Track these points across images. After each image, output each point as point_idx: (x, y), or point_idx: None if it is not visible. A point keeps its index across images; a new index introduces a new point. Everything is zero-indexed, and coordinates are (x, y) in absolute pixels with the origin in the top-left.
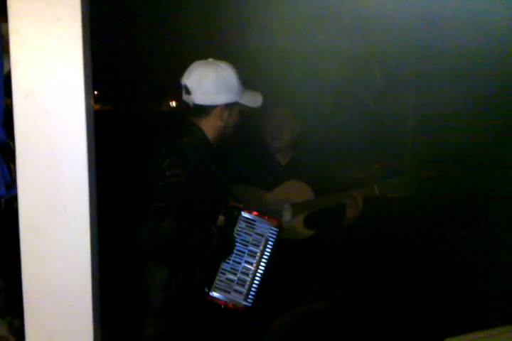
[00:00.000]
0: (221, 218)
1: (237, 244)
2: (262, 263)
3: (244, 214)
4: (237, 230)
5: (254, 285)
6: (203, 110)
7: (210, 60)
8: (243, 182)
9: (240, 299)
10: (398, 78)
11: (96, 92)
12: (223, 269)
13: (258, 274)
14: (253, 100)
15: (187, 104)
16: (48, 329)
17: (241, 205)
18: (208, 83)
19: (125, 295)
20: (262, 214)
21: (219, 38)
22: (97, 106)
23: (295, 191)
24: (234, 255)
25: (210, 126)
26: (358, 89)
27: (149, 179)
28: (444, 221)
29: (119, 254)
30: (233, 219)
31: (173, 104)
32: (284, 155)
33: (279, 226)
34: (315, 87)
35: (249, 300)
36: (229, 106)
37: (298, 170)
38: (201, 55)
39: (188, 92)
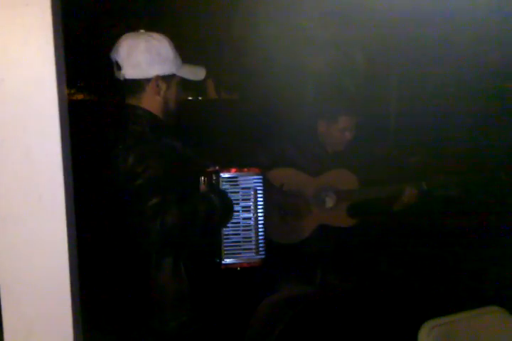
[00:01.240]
0: (202, 186)
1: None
2: (259, 214)
3: (224, 175)
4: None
5: (260, 237)
6: (137, 85)
7: (142, 31)
8: (290, 165)
9: (252, 255)
10: (381, 63)
11: (70, 81)
12: (225, 235)
13: (260, 225)
14: (194, 73)
15: (118, 81)
16: (26, 319)
17: (217, 168)
18: (138, 54)
19: (132, 296)
20: (240, 168)
21: (202, 23)
22: (76, 96)
23: (341, 179)
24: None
25: (150, 103)
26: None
27: (119, 178)
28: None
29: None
30: (214, 183)
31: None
32: (332, 146)
33: (262, 172)
34: (298, 73)
35: (261, 252)
36: (165, 78)
37: (344, 157)
38: (185, 37)
39: (119, 67)
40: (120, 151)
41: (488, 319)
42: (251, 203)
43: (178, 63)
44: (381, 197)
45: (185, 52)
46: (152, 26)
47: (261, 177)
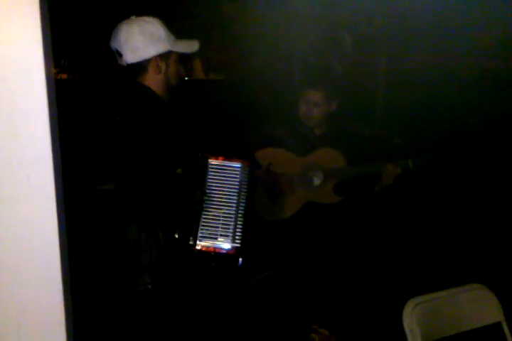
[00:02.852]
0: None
1: (214, 191)
2: (241, 204)
3: (212, 162)
4: (209, 179)
5: (238, 226)
6: (140, 67)
7: (133, 17)
8: (277, 146)
9: (228, 242)
10: (368, 42)
11: (58, 59)
12: (205, 218)
13: (240, 215)
14: (188, 47)
15: (122, 67)
16: (16, 300)
17: (205, 154)
18: (134, 38)
19: (108, 257)
20: (228, 157)
21: (185, 3)
22: (63, 75)
23: (328, 158)
24: (212, 202)
25: (152, 82)
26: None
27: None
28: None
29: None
30: (201, 168)
31: None
32: (319, 128)
33: (249, 164)
34: (286, 53)
35: (237, 241)
36: (163, 57)
37: (332, 138)
38: (173, 18)
39: (119, 54)
40: (111, 114)
41: (470, 296)
42: (235, 192)
43: (171, 40)
44: (367, 175)
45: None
46: (142, 8)
47: (248, 168)
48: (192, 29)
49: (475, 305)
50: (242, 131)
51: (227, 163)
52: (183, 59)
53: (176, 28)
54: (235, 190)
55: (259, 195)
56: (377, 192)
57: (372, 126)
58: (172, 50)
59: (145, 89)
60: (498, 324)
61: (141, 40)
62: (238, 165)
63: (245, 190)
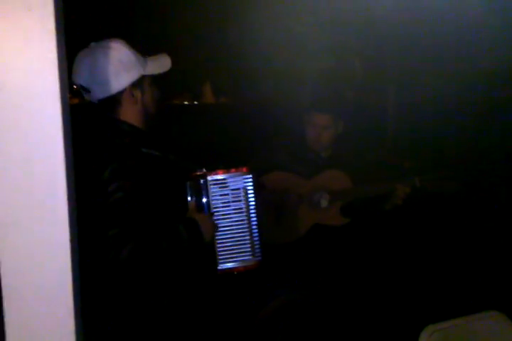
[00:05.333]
0: (191, 204)
1: (220, 208)
2: (252, 214)
3: (211, 178)
4: (212, 196)
5: (255, 238)
6: (113, 101)
7: (92, 44)
8: (284, 169)
9: (248, 258)
10: (379, 69)
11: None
12: (219, 240)
13: (254, 226)
14: (160, 65)
15: (94, 103)
16: (28, 325)
17: (204, 170)
18: (100, 70)
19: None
20: (227, 169)
21: (195, 27)
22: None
23: (334, 180)
24: (222, 220)
25: (129, 114)
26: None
27: (93, 196)
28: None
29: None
30: (202, 187)
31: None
32: (326, 150)
33: (250, 171)
34: (295, 79)
35: (257, 254)
36: (137, 85)
37: (339, 161)
38: (183, 42)
39: (86, 90)
40: (98, 165)
41: (488, 324)
42: (242, 204)
43: (142, 62)
44: (374, 196)
45: (182, 58)
46: (149, 33)
47: (250, 176)
48: (201, 53)
49: (492, 332)
50: (249, 154)
51: (226, 175)
52: (158, 80)
53: (182, 53)
54: (242, 202)
55: (265, 218)
56: (386, 213)
57: (381, 148)
58: (145, 74)
59: (122, 125)
60: None
61: (110, 71)
62: (238, 173)
63: (253, 199)
